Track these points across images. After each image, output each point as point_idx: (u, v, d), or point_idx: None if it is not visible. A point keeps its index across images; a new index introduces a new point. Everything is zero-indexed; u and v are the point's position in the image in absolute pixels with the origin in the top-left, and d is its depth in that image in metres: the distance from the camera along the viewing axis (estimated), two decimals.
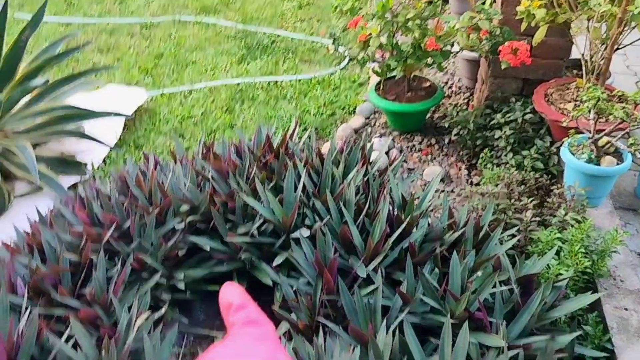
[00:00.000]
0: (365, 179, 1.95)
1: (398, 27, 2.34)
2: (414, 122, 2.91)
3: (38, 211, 1.95)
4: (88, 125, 2.94)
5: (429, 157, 2.79)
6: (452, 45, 2.67)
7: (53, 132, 2.75)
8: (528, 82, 2.65)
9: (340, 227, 1.71)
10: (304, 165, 1.95)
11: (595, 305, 1.74)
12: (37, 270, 1.64)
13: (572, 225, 1.91)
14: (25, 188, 2.75)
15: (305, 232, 1.72)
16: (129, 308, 1.58)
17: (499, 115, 2.56)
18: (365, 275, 1.60)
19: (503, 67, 2.28)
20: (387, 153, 2.79)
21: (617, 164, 1.99)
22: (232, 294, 0.42)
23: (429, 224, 1.82)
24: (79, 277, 1.69)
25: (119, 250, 1.76)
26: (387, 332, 1.40)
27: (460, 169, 2.66)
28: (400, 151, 2.84)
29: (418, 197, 1.89)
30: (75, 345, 1.46)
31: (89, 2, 4.95)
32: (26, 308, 1.56)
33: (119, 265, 1.70)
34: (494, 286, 1.57)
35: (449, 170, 2.68)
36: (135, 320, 1.51)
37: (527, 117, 2.47)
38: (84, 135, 2.78)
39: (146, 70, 3.77)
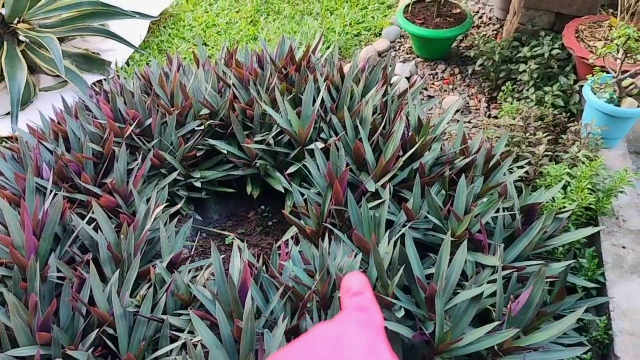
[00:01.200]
0: (384, 99, 1.96)
1: None
2: (440, 50, 2.87)
3: (64, 101, 2.01)
4: (113, 26, 2.94)
5: (450, 86, 2.77)
6: None
7: (79, 27, 2.76)
8: (561, 16, 2.58)
9: (354, 143, 1.75)
10: (324, 80, 1.97)
11: (594, 241, 1.80)
12: (62, 157, 1.72)
13: (582, 163, 1.93)
14: (50, 82, 2.81)
15: (319, 145, 1.77)
16: (147, 200, 1.67)
17: (525, 49, 2.52)
18: (373, 190, 1.66)
19: None
20: (408, 78, 2.78)
21: (638, 106, 1.98)
22: (353, 280, 0.47)
23: (441, 149, 1.85)
24: (101, 167, 1.76)
25: (140, 146, 1.82)
26: (388, 243, 1.47)
27: (480, 101, 2.66)
28: (422, 77, 2.83)
29: (433, 125, 1.91)
30: (96, 228, 1.56)
31: None
32: (51, 191, 1.65)
33: (139, 160, 1.77)
34: (497, 211, 1.63)
35: (469, 101, 2.67)
36: (153, 211, 1.59)
37: (555, 52, 2.43)
38: (109, 34, 2.79)
39: None
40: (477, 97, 2.68)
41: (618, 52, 1.96)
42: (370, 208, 1.61)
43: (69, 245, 1.53)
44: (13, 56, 2.61)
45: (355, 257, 1.45)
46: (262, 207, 1.95)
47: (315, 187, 1.75)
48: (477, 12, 3.29)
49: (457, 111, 2.60)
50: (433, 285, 1.32)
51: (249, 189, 1.86)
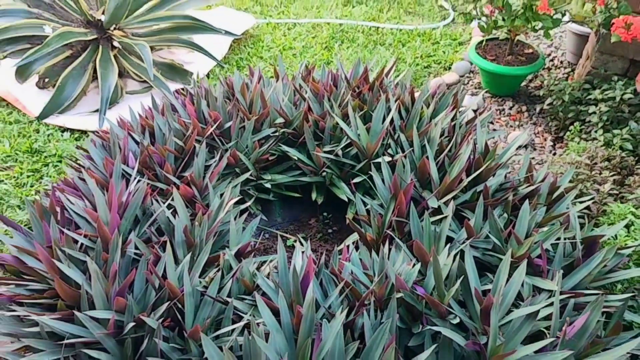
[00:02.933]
0: (452, 123, 2.02)
1: None
2: (508, 86, 2.91)
3: (153, 99, 2.18)
4: (197, 39, 3.15)
5: (517, 122, 2.80)
6: (564, 14, 2.64)
7: (168, 39, 2.98)
8: (635, 63, 2.59)
9: (420, 161, 1.81)
10: (395, 101, 2.05)
11: None
12: (148, 148, 1.86)
13: None
14: (136, 86, 3.02)
15: (387, 158, 1.84)
16: (221, 195, 1.78)
17: (597, 91, 2.53)
18: (436, 206, 1.71)
19: (613, 40, 2.24)
20: (475, 111, 2.83)
21: None
22: None
23: (505, 176, 1.89)
24: (181, 161, 1.90)
25: (218, 146, 1.95)
26: (448, 256, 1.51)
27: (545, 139, 2.67)
28: (489, 110, 2.87)
29: (499, 153, 1.95)
30: (174, 214, 1.68)
31: None
32: (135, 177, 1.79)
33: (216, 158, 1.89)
34: (558, 239, 1.64)
35: (534, 138, 2.69)
36: (226, 204, 1.70)
37: (626, 97, 2.43)
38: (195, 46, 2.99)
39: (257, 0, 3.94)
40: (543, 136, 2.69)
41: None
42: (432, 222, 1.66)
43: (147, 226, 1.65)
44: (106, 59, 2.84)
45: (413, 266, 1.50)
46: (324, 214, 2.03)
47: (378, 199, 1.82)
48: (549, 55, 3.32)
49: (521, 146, 2.62)
50: (490, 297, 1.35)
51: (313, 196, 1.95)
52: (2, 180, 2.35)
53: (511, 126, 2.78)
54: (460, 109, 2.21)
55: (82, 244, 1.58)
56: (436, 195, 1.75)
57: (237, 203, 1.89)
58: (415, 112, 2.02)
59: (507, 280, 1.47)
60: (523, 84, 3.02)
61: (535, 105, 2.88)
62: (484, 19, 2.62)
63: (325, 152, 1.94)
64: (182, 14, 2.93)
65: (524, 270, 1.47)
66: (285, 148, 1.96)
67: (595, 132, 2.44)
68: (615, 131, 2.38)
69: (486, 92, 2.99)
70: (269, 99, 2.07)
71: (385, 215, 1.71)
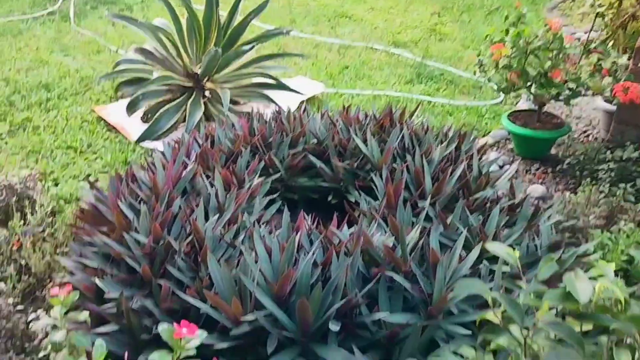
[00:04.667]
0: (457, 152, 2.39)
1: (528, 53, 2.76)
2: (537, 149, 3.21)
3: (218, 119, 2.75)
4: (271, 95, 3.78)
5: (540, 181, 3.07)
6: (586, 89, 2.97)
7: (248, 92, 3.64)
8: None
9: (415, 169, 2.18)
10: (409, 132, 2.47)
11: None
12: (205, 147, 2.40)
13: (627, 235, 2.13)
14: None
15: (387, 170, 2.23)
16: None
17: (608, 152, 2.78)
18: (426, 207, 2.05)
19: (613, 102, 2.55)
20: (500, 167, 3.14)
21: None
22: None
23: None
24: (230, 159, 2.40)
25: (260, 151, 2.45)
26: (416, 232, 1.84)
27: (562, 193, 2.91)
28: (515, 177, 3.16)
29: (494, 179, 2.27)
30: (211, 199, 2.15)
31: (308, 23, 6.03)
32: (190, 163, 2.31)
33: (256, 160, 2.38)
34: (521, 241, 1.91)
35: (553, 193, 2.94)
36: (257, 188, 2.16)
37: (633, 156, 2.66)
38: (271, 101, 3.61)
39: (330, 75, 4.60)
40: (560, 191, 2.94)
41: None
42: (413, 216, 2.00)
43: (192, 195, 2.14)
44: (196, 103, 3.52)
45: (388, 237, 1.84)
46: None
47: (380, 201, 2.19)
48: (585, 132, 3.59)
49: (539, 199, 2.87)
50: (436, 254, 1.66)
51: (329, 198, 2.36)
52: (97, 180, 2.98)
53: (533, 182, 3.05)
54: (481, 159, 2.56)
55: (139, 197, 2.09)
56: (425, 198, 2.09)
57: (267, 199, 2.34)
58: (427, 140, 2.42)
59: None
60: (554, 151, 3.30)
61: (558, 165, 3.14)
62: (504, 82, 3.02)
63: (344, 163, 2.37)
64: (264, 73, 3.59)
65: (479, 248, 1.76)
66: (311, 158, 2.41)
67: (604, 186, 2.67)
68: (621, 184, 2.60)
69: (517, 155, 3.30)
70: (306, 123, 2.57)
71: (379, 207, 2.07)
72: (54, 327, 1.29)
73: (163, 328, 1.18)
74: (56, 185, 2.98)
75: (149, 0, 6.80)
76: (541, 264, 0.99)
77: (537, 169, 3.17)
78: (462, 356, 1.04)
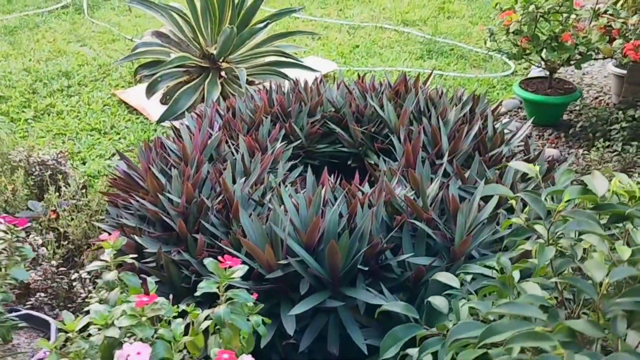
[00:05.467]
0: (471, 114, 2.46)
1: (538, 18, 2.81)
2: (549, 116, 3.27)
3: (251, 84, 2.85)
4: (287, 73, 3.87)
5: (553, 145, 3.13)
6: (597, 52, 3.02)
7: (264, 70, 3.72)
8: None
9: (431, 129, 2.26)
10: (424, 97, 2.54)
11: None
12: (228, 117, 2.49)
13: None
14: None
15: (404, 132, 2.31)
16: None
17: (621, 113, 2.84)
18: (444, 163, 2.13)
19: (624, 62, 2.60)
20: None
21: None
22: None
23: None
24: (252, 128, 2.49)
25: (280, 120, 2.54)
26: (435, 185, 1.92)
27: (576, 155, 2.97)
28: (529, 137, 3.23)
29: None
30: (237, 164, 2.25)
31: (316, 6, 6.09)
32: (215, 131, 2.41)
33: (277, 128, 2.47)
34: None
35: (567, 156, 3.00)
36: (279, 153, 2.25)
37: None
38: (286, 78, 3.69)
39: (342, 54, 4.68)
40: (574, 152, 3.00)
41: None
42: (432, 173, 2.08)
43: (216, 161, 2.24)
44: (214, 83, 3.61)
45: (408, 190, 1.93)
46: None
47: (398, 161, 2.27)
48: (597, 97, 3.64)
49: (555, 160, 2.93)
50: (457, 202, 1.74)
51: (349, 162, 2.45)
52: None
53: (546, 147, 3.11)
54: (495, 120, 2.63)
55: (169, 164, 2.19)
56: (442, 157, 2.17)
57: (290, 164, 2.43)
58: (441, 104, 2.49)
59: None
60: (566, 117, 3.36)
61: (571, 129, 3.20)
62: (514, 49, 3.08)
63: (361, 127, 2.45)
64: (277, 50, 3.67)
65: (496, 200, 1.83)
66: (331, 125, 2.50)
67: (617, 146, 2.73)
68: (634, 142, 2.66)
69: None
70: (323, 92, 2.66)
71: (399, 165, 2.16)
72: (106, 268, 1.38)
73: (209, 260, 1.27)
74: (84, 164, 3.09)
75: None
76: (560, 174, 1.07)
77: (550, 135, 3.23)
78: (489, 267, 1.12)
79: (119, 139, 3.36)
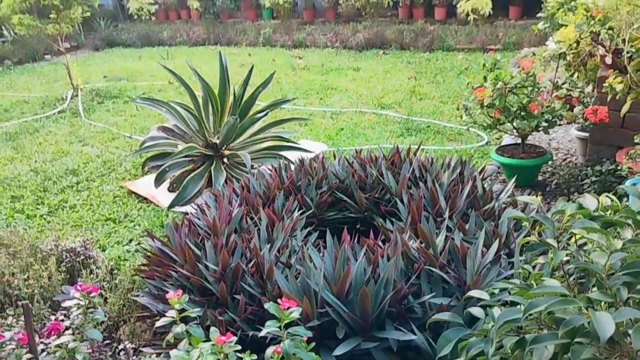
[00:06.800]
0: (460, 177, 2.79)
1: (507, 92, 3.24)
2: (526, 177, 3.63)
3: (251, 168, 3.14)
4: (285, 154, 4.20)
5: None
6: (561, 119, 3.45)
7: (264, 155, 4.05)
8: (621, 148, 3.27)
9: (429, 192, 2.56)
10: (417, 164, 2.87)
11: None
12: (245, 194, 2.76)
13: None
14: None
15: (406, 195, 2.62)
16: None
17: (589, 169, 3.21)
18: (445, 218, 2.41)
19: (586, 124, 3.00)
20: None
21: None
22: None
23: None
24: (266, 201, 2.77)
25: (292, 193, 2.82)
26: (442, 236, 2.20)
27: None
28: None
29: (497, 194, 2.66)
30: (261, 232, 2.50)
31: (298, 97, 6.59)
32: (235, 207, 2.67)
33: (291, 200, 2.75)
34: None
35: (545, 212, 3.32)
36: (297, 221, 2.51)
37: (611, 169, 3.09)
38: (286, 159, 4.01)
39: (329, 136, 5.07)
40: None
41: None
42: (435, 228, 2.36)
43: (241, 233, 2.48)
44: (219, 169, 3.91)
45: (418, 243, 2.19)
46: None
47: (403, 221, 2.55)
48: (565, 159, 4.04)
49: None
50: (465, 246, 2.01)
51: (357, 226, 2.71)
52: (140, 243, 3.30)
53: None
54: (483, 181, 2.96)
55: (200, 237, 2.42)
56: (441, 216, 2.46)
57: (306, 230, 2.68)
58: (433, 169, 2.82)
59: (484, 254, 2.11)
60: (541, 178, 3.73)
61: (547, 188, 3.55)
62: (489, 120, 3.48)
63: (366, 195, 2.75)
64: (276, 135, 4.02)
65: (497, 245, 2.11)
66: (338, 194, 2.79)
67: None
68: (603, 194, 3.00)
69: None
70: (328, 167, 2.97)
71: (405, 225, 2.43)
72: (174, 322, 1.59)
73: (270, 304, 1.49)
74: (103, 251, 3.28)
75: (150, 90, 7.36)
76: (555, 205, 1.36)
77: (530, 194, 3.58)
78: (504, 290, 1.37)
79: (134, 225, 3.58)
